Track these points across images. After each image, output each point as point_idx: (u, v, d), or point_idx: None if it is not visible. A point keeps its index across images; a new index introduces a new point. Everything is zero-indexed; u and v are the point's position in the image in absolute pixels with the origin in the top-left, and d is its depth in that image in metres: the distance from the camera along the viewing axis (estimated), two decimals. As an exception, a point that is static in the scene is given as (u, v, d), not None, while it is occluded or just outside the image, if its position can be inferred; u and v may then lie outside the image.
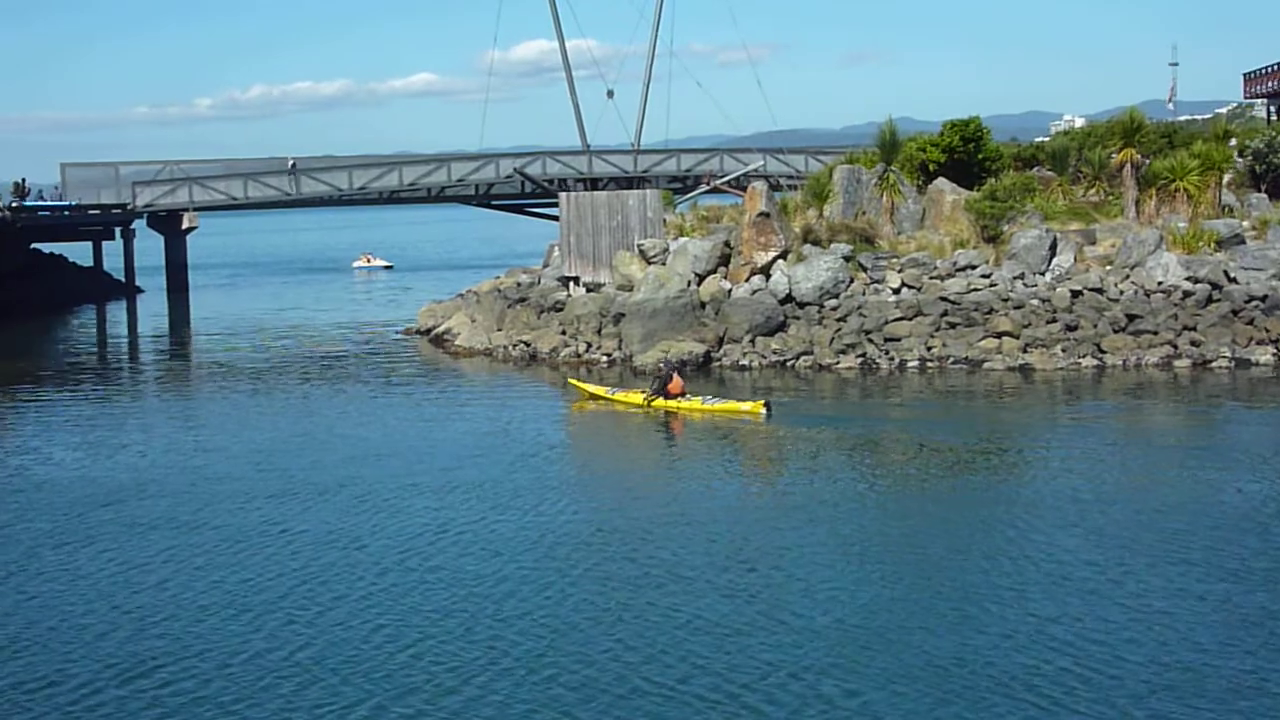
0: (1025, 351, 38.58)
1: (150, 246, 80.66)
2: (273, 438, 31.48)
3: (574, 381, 37.35)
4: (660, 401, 33.50)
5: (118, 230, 78.51)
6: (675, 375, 34.09)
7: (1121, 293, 39.89)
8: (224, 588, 19.28)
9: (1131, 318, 39.02)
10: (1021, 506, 22.93)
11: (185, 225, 76.02)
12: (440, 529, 22.26)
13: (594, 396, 35.42)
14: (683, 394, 33.59)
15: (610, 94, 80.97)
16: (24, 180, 74.48)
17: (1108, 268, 41.00)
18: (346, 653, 16.50)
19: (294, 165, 76.15)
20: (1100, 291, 39.91)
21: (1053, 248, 41.28)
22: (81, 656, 16.65)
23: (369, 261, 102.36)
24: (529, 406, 35.32)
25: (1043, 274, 40.89)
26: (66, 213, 73.19)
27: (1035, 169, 48.83)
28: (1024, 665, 15.58)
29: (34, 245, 76.39)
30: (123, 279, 79.86)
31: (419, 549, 21.05)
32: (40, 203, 73.63)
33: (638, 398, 34.08)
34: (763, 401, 32.49)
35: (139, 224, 78.78)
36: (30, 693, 15.57)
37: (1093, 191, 46.77)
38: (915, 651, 16.10)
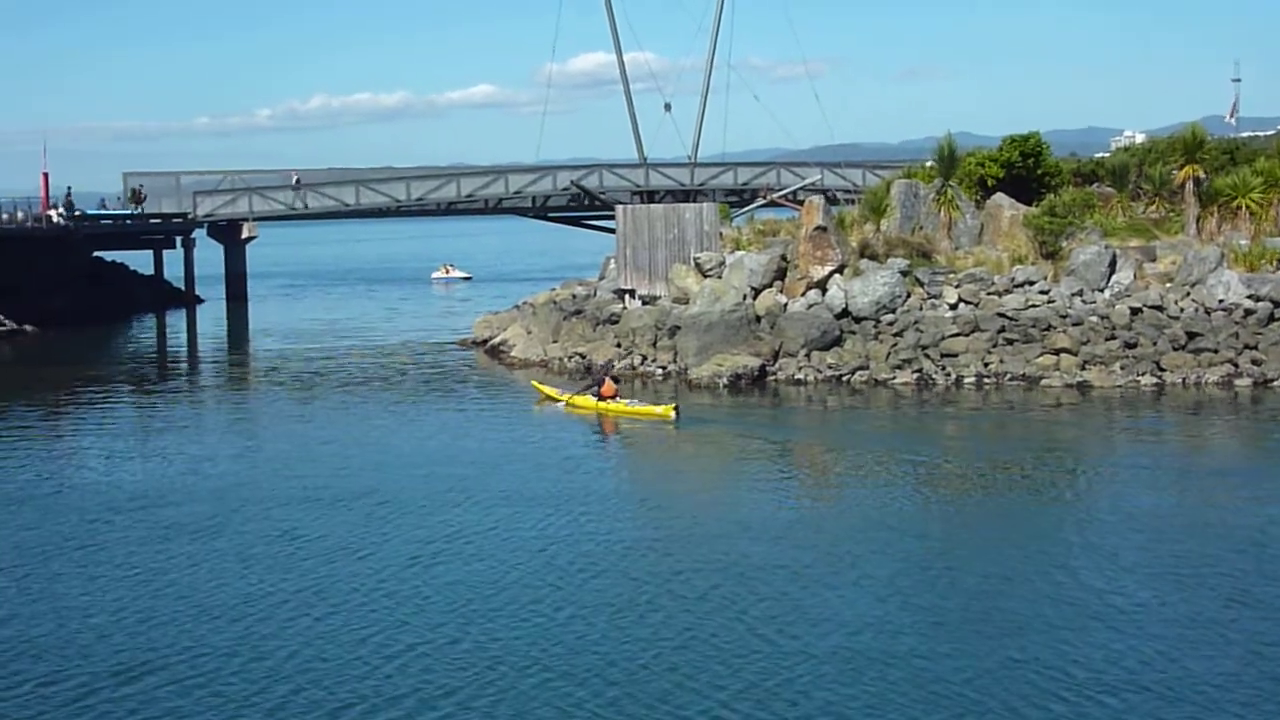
0: (1083, 369, 38.30)
1: (210, 256, 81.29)
2: (327, 446, 31.63)
3: (535, 383, 39.70)
4: (580, 400, 36.34)
5: (178, 239, 79.19)
6: (608, 379, 36.70)
7: (1182, 310, 39.54)
8: (304, 589, 19.45)
9: (1192, 335, 38.67)
10: (1077, 526, 22.78)
11: (245, 235, 76.62)
12: (501, 538, 22.31)
13: (548, 398, 37.71)
14: (614, 396, 35.96)
15: (668, 107, 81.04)
16: (141, 187, 75.17)
17: (1168, 285, 40.65)
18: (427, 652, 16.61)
19: (299, 181, 76.42)
20: (1160, 309, 39.59)
21: (1112, 264, 40.99)
22: (143, 646, 16.82)
23: (448, 272, 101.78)
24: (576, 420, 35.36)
25: (1102, 290, 40.61)
26: (128, 221, 73.87)
27: (1095, 185, 48.59)
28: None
29: (96, 253, 77.23)
30: (183, 287, 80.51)
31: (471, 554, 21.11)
32: (102, 211, 74.31)
33: (584, 399, 36.37)
34: (673, 405, 34.24)
35: (199, 233, 79.44)
36: (123, 682, 15.80)
37: (1153, 208, 46.41)
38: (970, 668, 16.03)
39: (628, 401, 35.93)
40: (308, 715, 15.13)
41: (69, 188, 74.49)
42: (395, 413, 37.06)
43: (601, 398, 35.97)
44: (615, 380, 37.32)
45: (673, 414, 33.84)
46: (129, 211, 74.12)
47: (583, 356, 44.02)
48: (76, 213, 69.89)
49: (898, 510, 24.10)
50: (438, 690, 15.71)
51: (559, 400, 37.17)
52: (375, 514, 24.30)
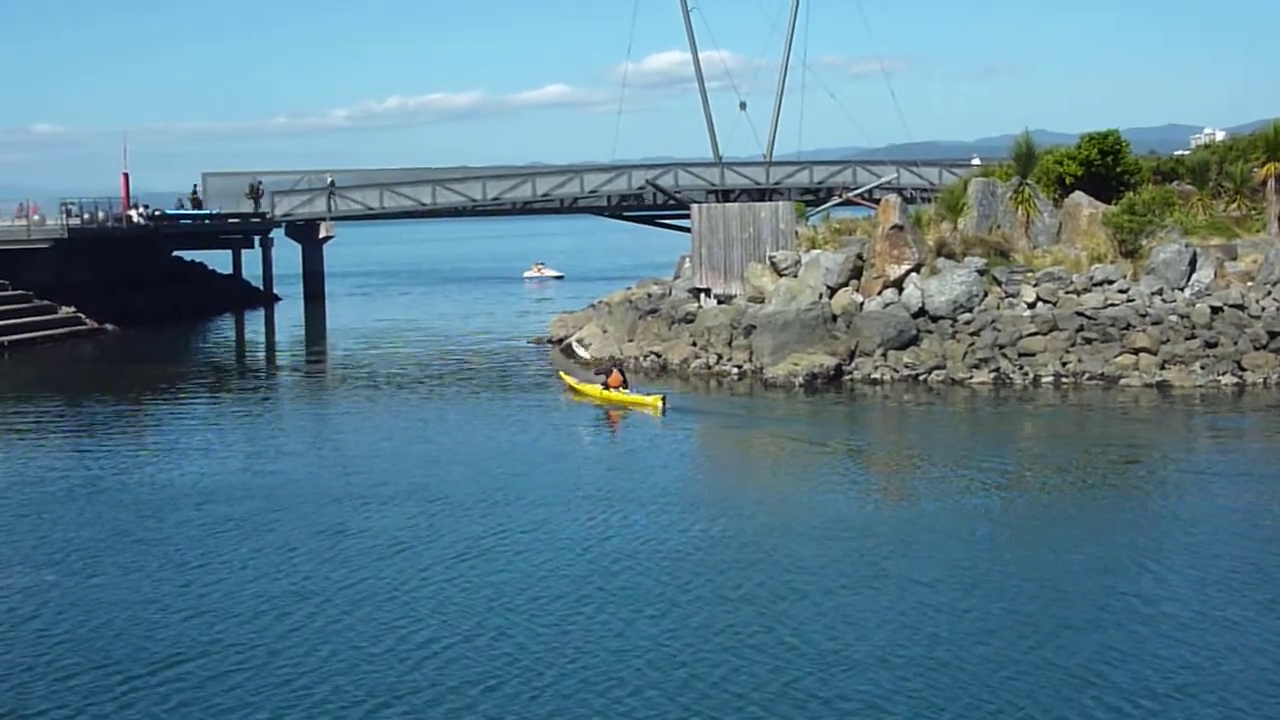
0: (1163, 368, 37.94)
1: (288, 255, 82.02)
2: (402, 444, 31.88)
3: (562, 374, 41.52)
4: (586, 388, 38.78)
5: (256, 239, 79.99)
6: (615, 371, 38.54)
7: (1263, 309, 39.06)
8: (378, 586, 19.63)
9: (1273, 335, 38.19)
10: (1159, 529, 22.61)
11: (322, 234, 77.21)
12: (578, 538, 22.42)
13: (570, 389, 39.54)
14: (620, 387, 37.73)
15: (743, 106, 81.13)
16: (260, 183, 76.12)
17: (1249, 283, 40.18)
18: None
19: (333, 183, 76.79)
20: (1241, 308, 39.14)
21: (1192, 263, 40.59)
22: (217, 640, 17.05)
23: (540, 271, 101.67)
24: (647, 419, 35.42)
25: (1182, 289, 40.22)
26: (207, 221, 74.66)
27: (1175, 183, 48.05)
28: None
29: (176, 253, 78.16)
30: (261, 287, 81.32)
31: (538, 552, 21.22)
32: (181, 211, 75.14)
33: (591, 388, 38.57)
34: (661, 396, 36.06)
35: (277, 233, 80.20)
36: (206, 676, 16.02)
37: (1234, 206, 45.85)
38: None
39: (626, 391, 37.50)
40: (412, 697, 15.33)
41: (259, 181, 75.55)
42: (470, 411, 37.31)
43: (608, 387, 37.77)
44: (622, 373, 38.76)
45: (660, 404, 35.55)
46: (208, 212, 74.89)
47: (658, 355, 44.08)
48: (156, 212, 70.73)
49: (973, 511, 23.98)
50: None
51: (577, 389, 39.14)
52: (440, 510, 24.44)
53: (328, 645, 17.31)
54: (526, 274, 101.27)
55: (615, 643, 17.18)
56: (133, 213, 67.89)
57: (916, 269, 41.87)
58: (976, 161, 76.39)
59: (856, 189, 68.52)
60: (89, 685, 16.13)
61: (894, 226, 42.00)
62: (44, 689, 16.05)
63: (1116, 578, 19.52)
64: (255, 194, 75.26)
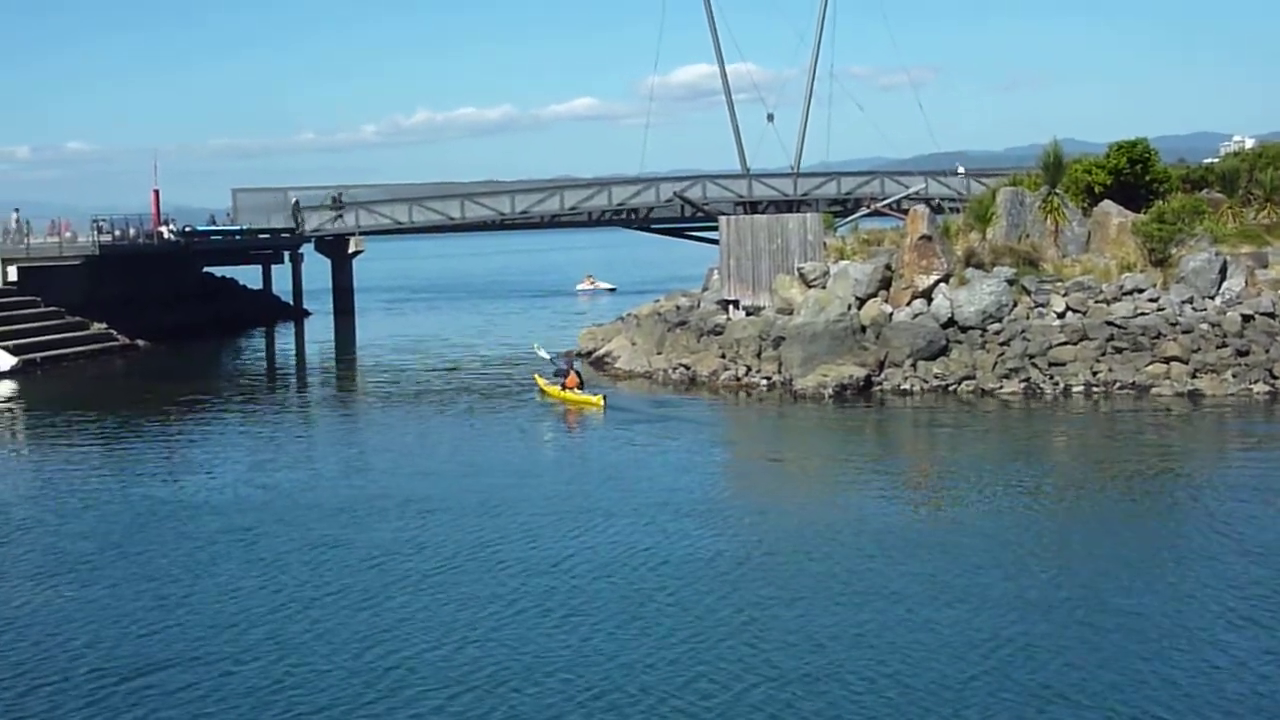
0: (1194, 377, 37.77)
1: (318, 271, 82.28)
2: (434, 459, 31.94)
3: (536, 376, 43.33)
4: (550, 389, 41.12)
5: (286, 254, 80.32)
6: (572, 372, 40.86)
7: (1295, 317, 38.90)
8: (438, 609, 19.68)
9: (1306, 343, 38.04)
10: (1196, 541, 22.52)
11: (352, 249, 77.48)
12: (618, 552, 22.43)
13: (541, 390, 41.94)
14: (576, 387, 40.22)
15: (770, 117, 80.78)
16: (340, 194, 76.72)
17: (1280, 291, 40.02)
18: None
19: (337, 199, 77.00)
20: (1273, 316, 38.96)
21: (1223, 271, 40.44)
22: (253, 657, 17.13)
23: (592, 284, 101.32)
24: (681, 429, 35.40)
25: (1212, 298, 40.07)
26: (237, 237, 75.00)
27: (1204, 191, 47.86)
28: None
29: (206, 269, 78.54)
30: (291, 302, 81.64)
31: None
32: (211, 227, 75.51)
33: (552, 388, 41.19)
34: (602, 396, 39.06)
35: (306, 248, 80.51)
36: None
37: (1264, 214, 45.68)
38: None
39: (577, 391, 40.01)
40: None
41: (340, 193, 76.34)
42: (503, 424, 37.32)
43: (565, 387, 40.43)
44: (579, 374, 41.22)
45: (601, 402, 38.57)
46: (238, 228, 75.26)
47: (687, 368, 44.09)
48: (186, 228, 71.12)
49: (1008, 522, 23.92)
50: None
51: (545, 390, 41.67)
52: (471, 522, 24.50)
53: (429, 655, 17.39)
54: (579, 286, 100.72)
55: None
56: (163, 229, 68.26)
57: (945, 279, 41.81)
58: (961, 171, 76.39)
59: (884, 199, 68.42)
60: (138, 690, 16.24)
61: (922, 237, 41.96)
62: (90, 696, 16.17)
63: (1165, 592, 19.47)
64: (338, 204, 75.77)
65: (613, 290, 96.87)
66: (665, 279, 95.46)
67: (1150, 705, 15.13)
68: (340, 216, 76.48)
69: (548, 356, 43.78)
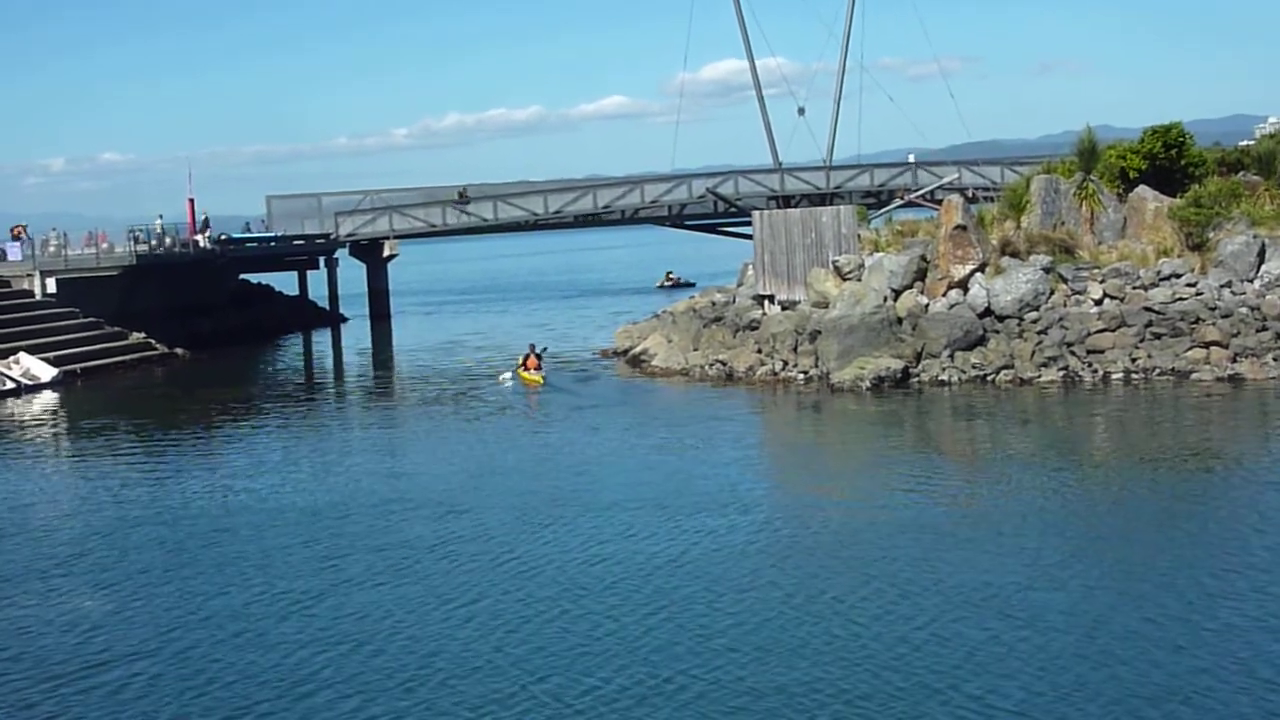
0: (1234, 361, 37.58)
1: (353, 275, 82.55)
2: (474, 460, 31.99)
3: (518, 369, 46.87)
4: (522, 373, 46.13)
5: (321, 260, 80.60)
6: (532, 355, 46.73)
7: (1335, 298, 38.66)
8: (477, 611, 19.76)
9: (1346, 324, 37.79)
10: (1245, 527, 22.41)
11: (386, 253, 77.68)
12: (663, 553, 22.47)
13: (524, 382, 45.63)
14: (536, 369, 45.84)
15: (801, 111, 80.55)
16: (465, 189, 77.29)
17: (1320, 273, 39.75)
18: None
19: (466, 193, 77.58)
20: (1313, 298, 38.74)
21: (1261, 254, 40.21)
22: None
23: (672, 281, 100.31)
24: (723, 426, 35.40)
25: (1251, 281, 39.86)
26: (273, 243, 75.32)
27: (1241, 174, 47.54)
28: None
29: (242, 276, 78.91)
30: (327, 307, 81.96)
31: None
32: (248, 234, 75.83)
33: (523, 373, 46.19)
34: (542, 375, 45.27)
35: (341, 253, 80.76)
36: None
37: (1302, 196, 45.35)
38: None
39: (531, 372, 45.69)
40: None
41: (465, 187, 78.03)
42: (540, 424, 37.40)
43: (526, 368, 46.05)
44: (539, 357, 46.81)
45: (542, 380, 44.69)
46: (273, 234, 75.55)
47: (723, 364, 44.07)
48: (222, 236, 71.45)
49: (1052, 511, 23.86)
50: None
51: (522, 377, 46.05)
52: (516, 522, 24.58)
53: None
54: (659, 283, 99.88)
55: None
56: (199, 238, 68.59)
57: (981, 269, 41.68)
58: (954, 176, 75.66)
59: (918, 190, 68.22)
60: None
61: (957, 227, 41.83)
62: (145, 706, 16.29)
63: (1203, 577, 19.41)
64: (464, 198, 76.26)
65: (692, 285, 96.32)
66: (698, 275, 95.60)
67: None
68: (465, 213, 76.99)
69: (511, 385, 46.07)
